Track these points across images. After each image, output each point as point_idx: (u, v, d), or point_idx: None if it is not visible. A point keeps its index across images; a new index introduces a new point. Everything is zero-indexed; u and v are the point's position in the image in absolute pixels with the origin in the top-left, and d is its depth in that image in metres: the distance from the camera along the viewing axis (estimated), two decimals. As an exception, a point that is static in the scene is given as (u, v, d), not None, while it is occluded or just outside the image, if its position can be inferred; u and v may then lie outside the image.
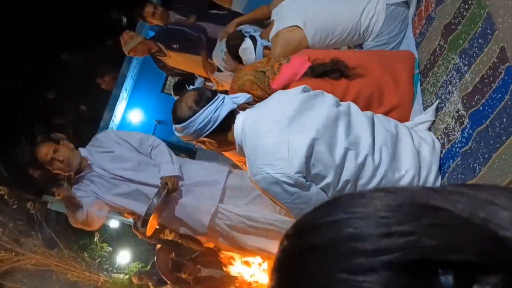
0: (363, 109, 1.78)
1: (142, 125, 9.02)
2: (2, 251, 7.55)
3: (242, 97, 1.79)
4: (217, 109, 1.70)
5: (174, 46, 3.57)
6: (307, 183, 1.59)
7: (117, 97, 8.66)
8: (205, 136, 1.72)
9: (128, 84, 8.81)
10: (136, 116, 9.16)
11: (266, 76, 2.12)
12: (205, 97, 1.73)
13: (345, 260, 0.35)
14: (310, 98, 1.73)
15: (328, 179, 1.59)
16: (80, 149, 2.80)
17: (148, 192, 2.64)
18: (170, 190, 2.59)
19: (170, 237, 5.71)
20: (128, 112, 9.09)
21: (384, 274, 0.33)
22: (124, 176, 2.69)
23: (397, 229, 0.35)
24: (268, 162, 1.58)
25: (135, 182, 2.70)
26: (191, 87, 3.39)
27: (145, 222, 2.44)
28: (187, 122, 1.70)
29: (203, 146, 1.80)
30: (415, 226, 0.35)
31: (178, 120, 1.73)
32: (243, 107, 1.82)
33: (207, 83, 3.67)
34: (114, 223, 9.59)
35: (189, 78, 3.81)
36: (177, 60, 3.71)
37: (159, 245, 5.77)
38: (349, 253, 0.35)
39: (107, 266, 8.63)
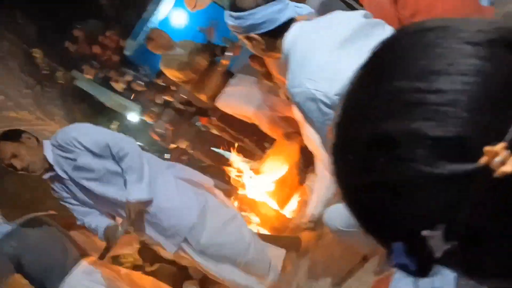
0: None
1: (184, 29, 8.88)
2: (25, 111, 7.82)
3: (305, 9, 1.73)
4: (280, 11, 1.65)
5: None
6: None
7: (166, -8, 8.49)
8: (257, 34, 1.67)
9: (180, -18, 8.60)
10: (180, 18, 9.01)
11: None
12: None
13: (457, 32, 0.41)
14: (369, 26, 1.66)
15: (364, 109, 1.56)
16: (46, 143, 2.44)
17: (110, 209, 2.45)
18: (132, 219, 2.32)
19: (182, 145, 5.84)
20: (174, 12, 8.95)
21: (486, 49, 0.39)
22: (88, 188, 2.40)
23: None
24: (311, 77, 1.55)
25: (98, 196, 2.41)
26: None
27: (104, 254, 2.32)
28: (247, 13, 1.63)
29: (247, 44, 1.75)
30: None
31: (237, 8, 1.67)
32: (300, 19, 1.76)
33: None
34: (133, 117, 9.74)
35: None
36: None
37: (172, 146, 5.91)
38: (459, 28, 0.41)
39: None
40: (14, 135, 2.42)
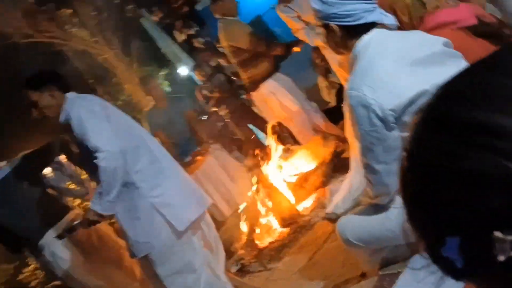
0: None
1: (258, 3, 8.87)
2: (87, 31, 8.03)
3: (389, 19, 1.70)
4: (366, 11, 1.64)
5: None
6: (393, 124, 1.56)
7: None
8: (336, 25, 1.66)
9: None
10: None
11: (423, 7, 1.98)
12: None
13: None
14: (446, 55, 1.63)
15: (414, 133, 1.55)
16: (68, 99, 2.40)
17: None
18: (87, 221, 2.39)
19: (222, 112, 5.89)
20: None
21: None
22: None
23: None
24: (372, 85, 1.54)
25: None
26: None
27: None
28: (336, 1, 1.64)
29: (322, 33, 1.74)
30: None
31: None
32: (381, 27, 1.74)
33: None
34: (183, 71, 9.83)
35: None
36: None
37: (213, 109, 5.97)
38: None
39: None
40: (38, 83, 2.40)
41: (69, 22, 7.78)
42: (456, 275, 0.41)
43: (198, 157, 4.46)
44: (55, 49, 7.92)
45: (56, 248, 2.98)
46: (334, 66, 3.52)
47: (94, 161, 2.20)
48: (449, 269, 0.40)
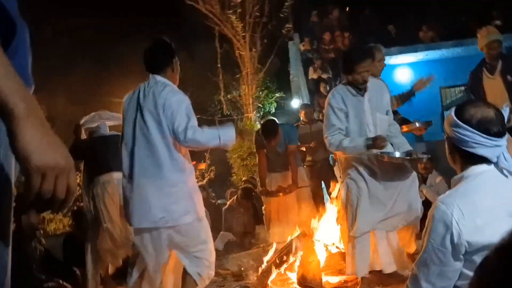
0: None
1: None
2: (236, 26, 8.48)
3: (508, 165, 1.69)
4: (478, 144, 1.64)
5: None
6: (461, 256, 1.54)
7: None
8: (452, 141, 1.70)
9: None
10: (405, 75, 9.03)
11: None
12: (491, 127, 1.65)
13: None
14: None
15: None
16: None
17: None
18: None
19: (308, 156, 5.88)
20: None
21: None
22: None
23: None
24: (463, 211, 1.53)
25: None
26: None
27: None
28: (456, 122, 1.67)
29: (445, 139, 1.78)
30: None
31: (460, 111, 1.70)
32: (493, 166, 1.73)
33: None
34: (294, 103, 10.03)
35: None
36: None
37: (301, 147, 5.99)
38: None
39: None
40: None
41: (232, 8, 8.24)
42: None
43: (280, 194, 4.61)
44: (207, 23, 8.43)
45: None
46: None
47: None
48: None
